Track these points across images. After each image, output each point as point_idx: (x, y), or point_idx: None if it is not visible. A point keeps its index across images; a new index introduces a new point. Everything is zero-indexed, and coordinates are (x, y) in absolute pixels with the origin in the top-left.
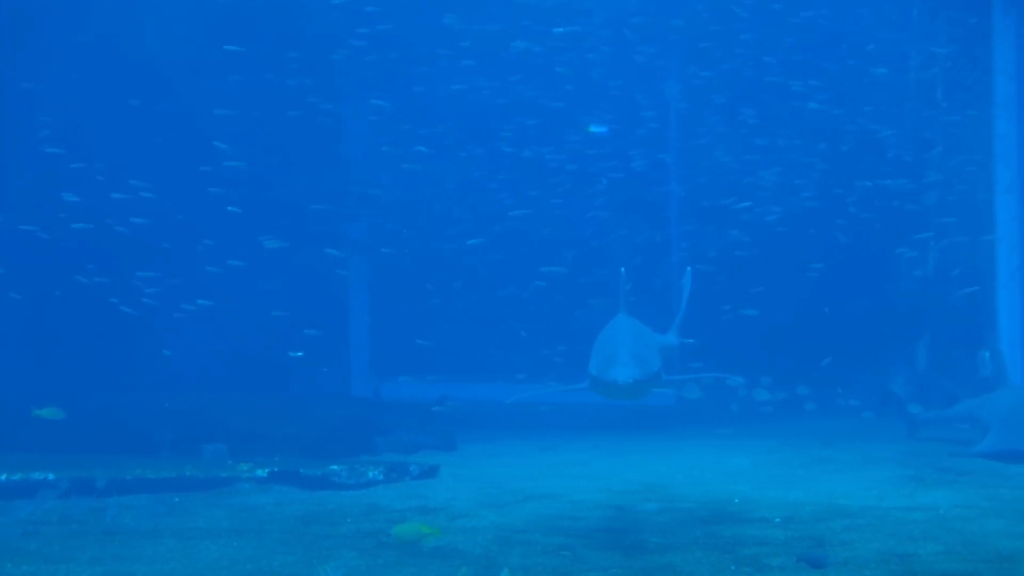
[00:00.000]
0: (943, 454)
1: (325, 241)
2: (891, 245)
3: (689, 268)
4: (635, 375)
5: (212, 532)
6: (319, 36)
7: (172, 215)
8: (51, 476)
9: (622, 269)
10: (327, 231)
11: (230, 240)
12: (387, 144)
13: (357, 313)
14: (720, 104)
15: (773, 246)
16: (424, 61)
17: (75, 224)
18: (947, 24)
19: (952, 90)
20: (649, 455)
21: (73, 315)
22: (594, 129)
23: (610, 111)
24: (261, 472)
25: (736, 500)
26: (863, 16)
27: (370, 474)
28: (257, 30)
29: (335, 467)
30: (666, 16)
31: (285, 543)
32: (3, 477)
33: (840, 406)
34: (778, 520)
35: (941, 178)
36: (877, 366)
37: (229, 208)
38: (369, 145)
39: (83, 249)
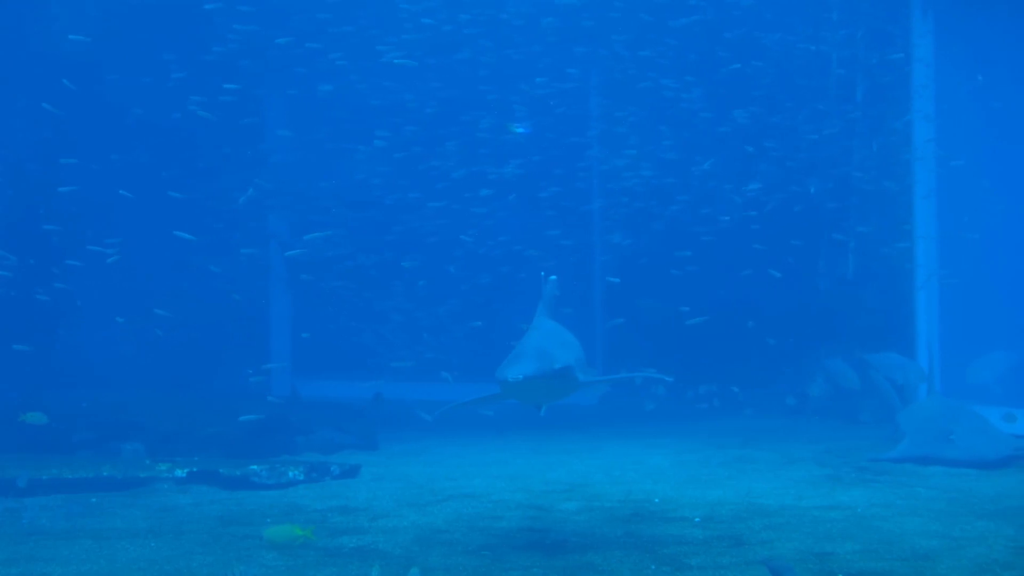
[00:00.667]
0: (861, 454)
1: (245, 239)
2: (811, 248)
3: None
4: (526, 372)
5: (130, 533)
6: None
7: (93, 209)
8: None
9: (542, 274)
10: (248, 229)
11: (150, 236)
12: (306, 139)
13: (278, 312)
14: (639, 110)
15: (701, 251)
16: (339, 59)
17: None
18: (868, 28)
19: (871, 92)
20: (570, 455)
21: None
22: (518, 129)
23: (532, 112)
24: (180, 472)
25: (656, 499)
26: (785, 17)
27: (290, 474)
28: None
29: (255, 467)
30: (580, 18)
31: (204, 544)
32: None
33: (762, 406)
34: (697, 519)
35: (860, 182)
36: (797, 368)
37: (145, 202)
38: (290, 141)
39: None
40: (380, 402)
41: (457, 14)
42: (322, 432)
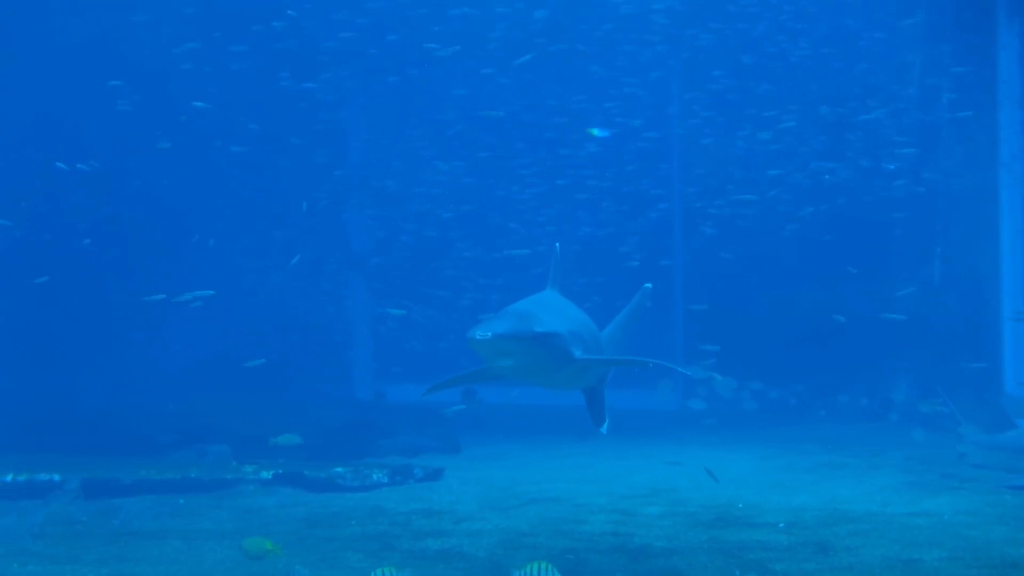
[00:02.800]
0: (946, 461)
1: (325, 242)
2: (892, 252)
3: (648, 285)
4: (495, 331)
5: (217, 534)
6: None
7: (174, 215)
8: (56, 477)
9: (556, 245)
10: (327, 232)
11: (234, 243)
12: (387, 144)
13: (359, 316)
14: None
15: (780, 249)
16: (418, 62)
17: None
18: (953, 34)
19: (957, 99)
20: (652, 459)
21: (75, 318)
22: (596, 133)
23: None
24: (265, 474)
25: (740, 504)
26: (869, 22)
27: (374, 476)
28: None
29: (339, 469)
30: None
31: (289, 545)
32: (8, 478)
33: (844, 412)
34: (782, 525)
35: (946, 188)
36: (879, 373)
37: (231, 210)
38: (372, 145)
39: (84, 252)
40: (471, 400)
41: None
42: (405, 435)
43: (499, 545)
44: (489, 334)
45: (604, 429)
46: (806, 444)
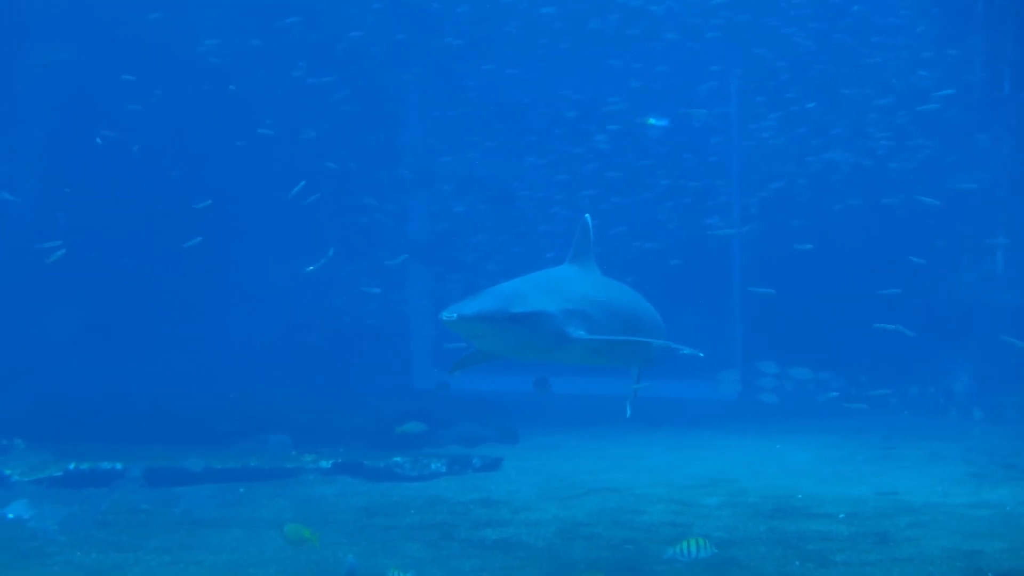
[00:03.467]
0: (1009, 452)
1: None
2: (956, 244)
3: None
4: (463, 312)
5: (277, 522)
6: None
7: (237, 208)
8: (119, 466)
9: (586, 216)
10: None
11: (294, 233)
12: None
13: (420, 305)
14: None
15: (843, 239)
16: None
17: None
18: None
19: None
20: (710, 449)
21: (136, 308)
22: (653, 122)
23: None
24: (325, 463)
25: (799, 495)
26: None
27: (433, 466)
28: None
29: (398, 459)
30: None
31: (349, 534)
32: (72, 466)
33: (905, 403)
34: (842, 516)
35: (1010, 178)
36: (941, 364)
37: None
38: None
39: (141, 241)
40: (544, 389)
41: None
42: (463, 425)
43: (557, 535)
44: (455, 315)
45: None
46: (865, 434)
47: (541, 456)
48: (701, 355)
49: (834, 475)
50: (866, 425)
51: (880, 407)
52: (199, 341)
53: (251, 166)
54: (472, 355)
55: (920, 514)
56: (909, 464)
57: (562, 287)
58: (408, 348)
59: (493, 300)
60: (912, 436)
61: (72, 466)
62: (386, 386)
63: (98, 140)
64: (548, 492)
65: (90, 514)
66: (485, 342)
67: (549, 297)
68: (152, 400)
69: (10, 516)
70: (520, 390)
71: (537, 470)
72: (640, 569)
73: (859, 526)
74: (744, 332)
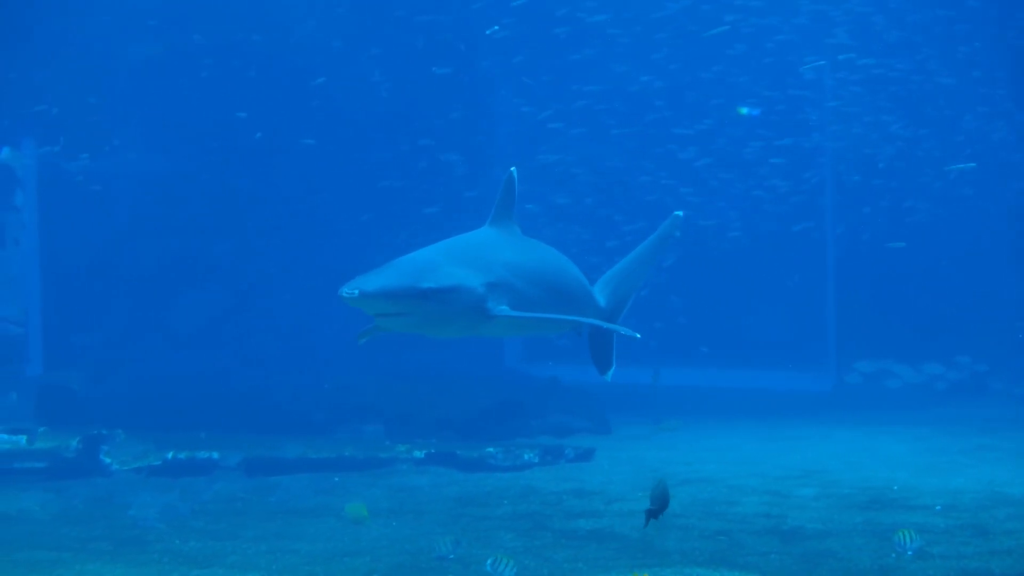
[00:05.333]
0: None
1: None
2: None
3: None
4: (365, 288)
5: (372, 512)
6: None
7: (334, 200)
8: (216, 455)
9: (512, 169)
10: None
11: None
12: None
13: None
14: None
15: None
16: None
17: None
18: None
19: None
20: (802, 440)
21: (231, 298)
22: (746, 112)
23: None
24: (418, 453)
25: (895, 487)
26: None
27: (526, 456)
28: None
29: (491, 449)
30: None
31: (443, 524)
32: (169, 455)
33: (999, 394)
34: (938, 508)
35: None
36: None
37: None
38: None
39: (238, 231)
40: (655, 380)
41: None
42: (556, 415)
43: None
44: (356, 291)
45: (609, 376)
46: (959, 426)
47: (634, 446)
48: (637, 336)
49: (930, 466)
50: (961, 416)
51: (976, 398)
52: (294, 330)
53: (345, 158)
54: (368, 330)
55: (1020, 506)
56: (1005, 456)
57: (481, 255)
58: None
59: (400, 274)
60: (1007, 427)
61: (170, 455)
62: (479, 376)
63: (258, 135)
64: (641, 483)
65: (188, 503)
66: (393, 321)
67: (466, 268)
68: (248, 389)
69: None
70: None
71: (630, 460)
72: (734, 561)
73: (956, 518)
74: (837, 324)
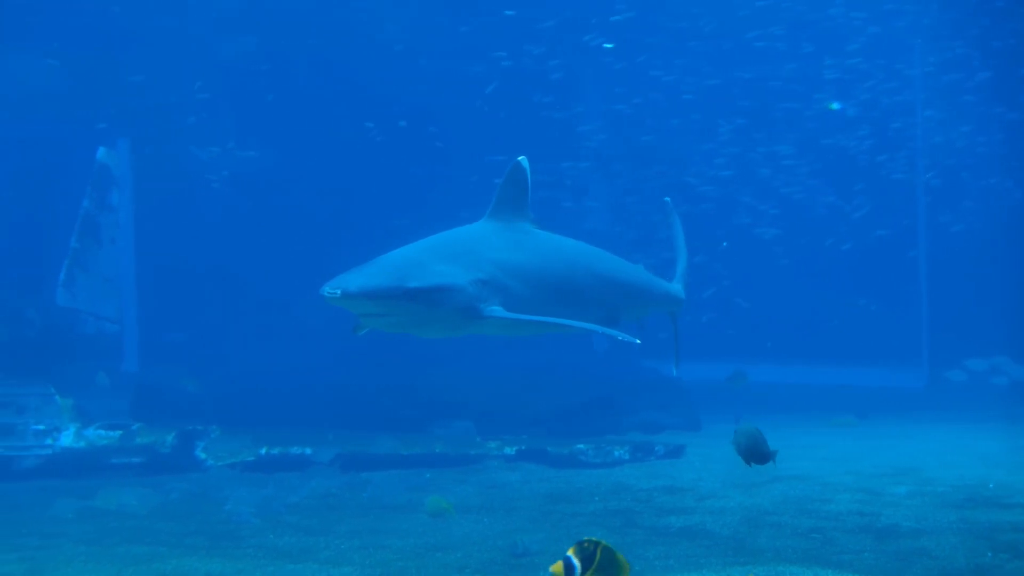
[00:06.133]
0: None
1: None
2: None
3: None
4: (348, 287)
5: (463, 508)
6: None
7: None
8: (308, 451)
9: (521, 159)
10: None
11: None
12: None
13: None
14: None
15: None
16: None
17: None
18: None
19: None
20: (896, 438)
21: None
22: (836, 107)
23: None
24: (509, 450)
25: (991, 485)
26: None
27: (616, 453)
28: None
29: (581, 446)
30: None
31: (534, 520)
32: (263, 451)
33: None
34: None
35: None
36: None
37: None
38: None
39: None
40: (741, 379)
41: None
42: (646, 412)
43: (743, 523)
44: (338, 291)
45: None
46: None
47: (725, 443)
48: (637, 342)
49: None
50: None
51: None
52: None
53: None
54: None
55: None
56: None
57: (473, 251)
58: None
59: (384, 273)
60: None
61: (264, 451)
62: (569, 373)
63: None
64: (732, 480)
65: (282, 498)
66: (376, 321)
67: (454, 266)
68: (338, 386)
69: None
70: (703, 377)
71: (721, 458)
72: (828, 559)
73: None
74: (931, 321)
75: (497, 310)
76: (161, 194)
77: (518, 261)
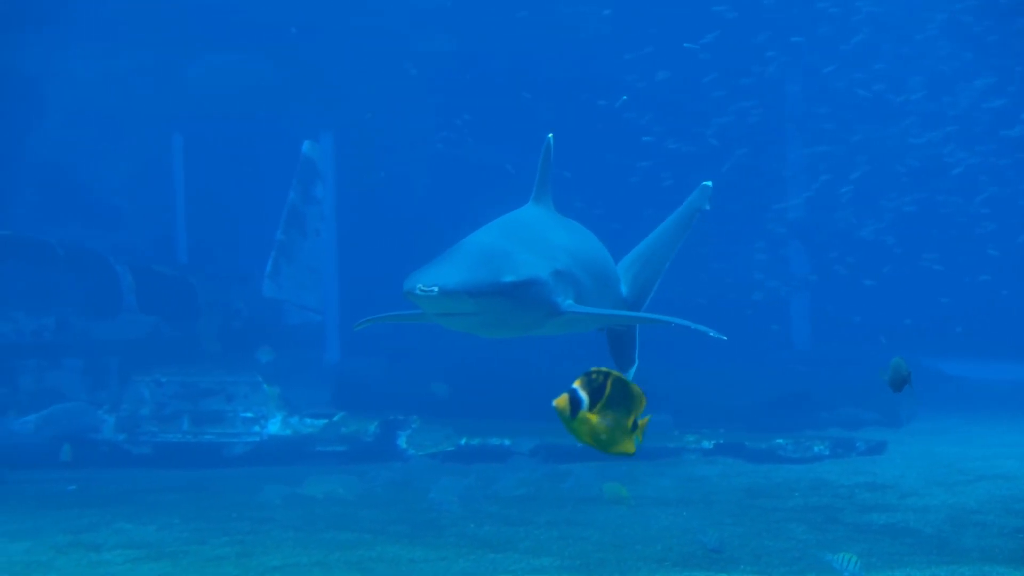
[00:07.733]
0: None
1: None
2: None
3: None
4: (445, 283)
5: (661, 501)
6: None
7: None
8: (507, 442)
9: (549, 136)
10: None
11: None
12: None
13: (797, 284)
14: None
15: None
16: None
17: None
18: None
19: None
20: None
21: None
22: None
23: None
24: (707, 443)
25: None
26: None
27: (815, 449)
28: None
29: (780, 440)
30: None
31: (733, 515)
32: (463, 442)
33: None
34: None
35: None
36: None
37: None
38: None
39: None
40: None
41: None
42: (845, 408)
43: (946, 522)
44: (435, 289)
45: (631, 375)
46: None
47: (927, 440)
48: (725, 338)
49: None
50: None
51: None
52: None
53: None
54: (395, 315)
55: None
56: None
57: (543, 238)
58: (789, 326)
59: (477, 266)
60: None
61: (463, 441)
62: (765, 367)
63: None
64: (935, 478)
65: (482, 488)
66: (456, 321)
67: (537, 256)
68: (537, 378)
69: None
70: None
71: (923, 455)
72: None
73: None
74: None
75: (571, 304)
76: (362, 186)
77: (574, 249)
